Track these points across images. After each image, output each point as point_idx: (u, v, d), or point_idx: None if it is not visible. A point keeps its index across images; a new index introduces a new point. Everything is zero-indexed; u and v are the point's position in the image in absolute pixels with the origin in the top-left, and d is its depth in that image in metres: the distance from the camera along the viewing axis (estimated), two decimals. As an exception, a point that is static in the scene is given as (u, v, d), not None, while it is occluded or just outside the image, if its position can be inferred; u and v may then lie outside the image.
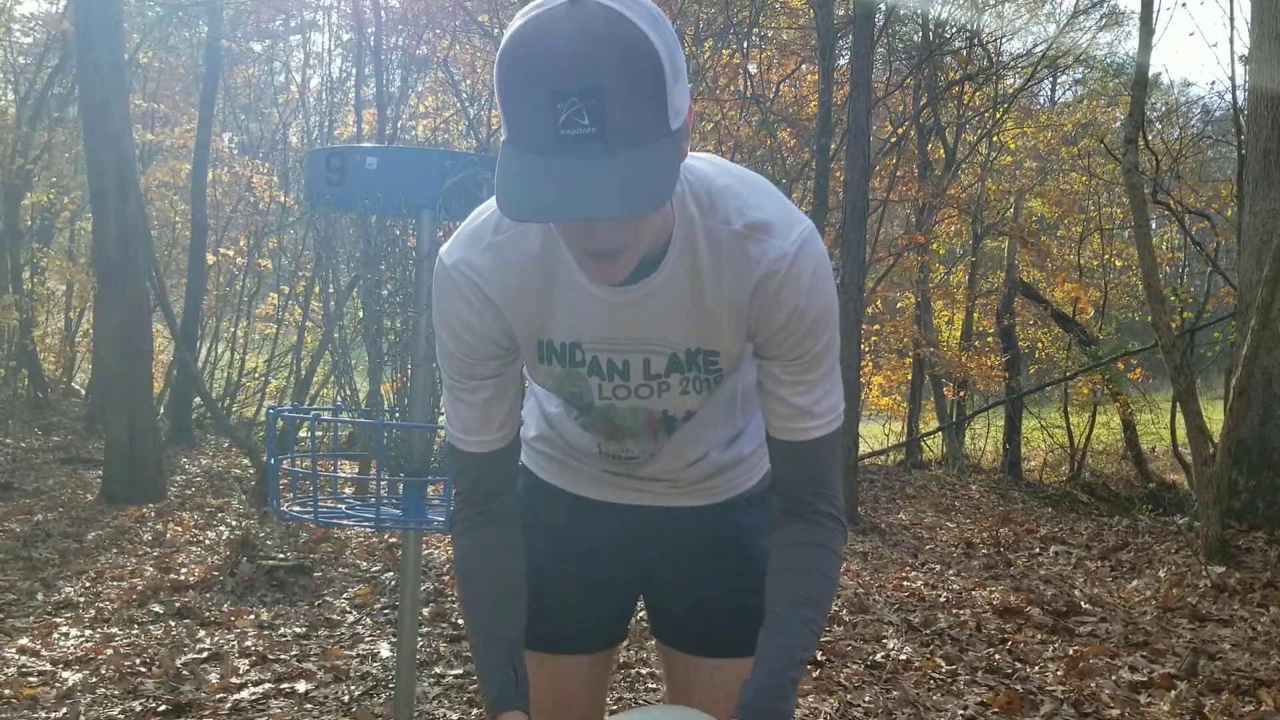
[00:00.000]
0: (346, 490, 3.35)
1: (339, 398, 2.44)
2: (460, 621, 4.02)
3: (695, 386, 1.30)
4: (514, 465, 1.41)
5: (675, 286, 1.21)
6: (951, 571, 5.47)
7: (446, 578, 4.88)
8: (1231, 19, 12.46)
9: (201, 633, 3.97)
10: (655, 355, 1.27)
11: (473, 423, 1.33)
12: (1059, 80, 14.89)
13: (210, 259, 11.75)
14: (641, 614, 1.62)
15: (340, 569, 5.14)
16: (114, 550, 5.48)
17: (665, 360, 1.27)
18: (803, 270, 1.19)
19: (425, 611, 4.21)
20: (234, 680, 3.41)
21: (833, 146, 8.66)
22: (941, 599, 4.76)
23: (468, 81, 11.14)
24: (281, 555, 5.27)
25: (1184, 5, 23.29)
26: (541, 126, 0.98)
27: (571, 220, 1.03)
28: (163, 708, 3.12)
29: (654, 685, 3.43)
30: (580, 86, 0.96)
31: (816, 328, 1.23)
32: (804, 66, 11.16)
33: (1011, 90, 12.14)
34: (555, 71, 0.96)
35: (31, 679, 3.36)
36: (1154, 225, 12.52)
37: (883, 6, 9.09)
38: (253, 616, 4.22)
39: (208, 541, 5.81)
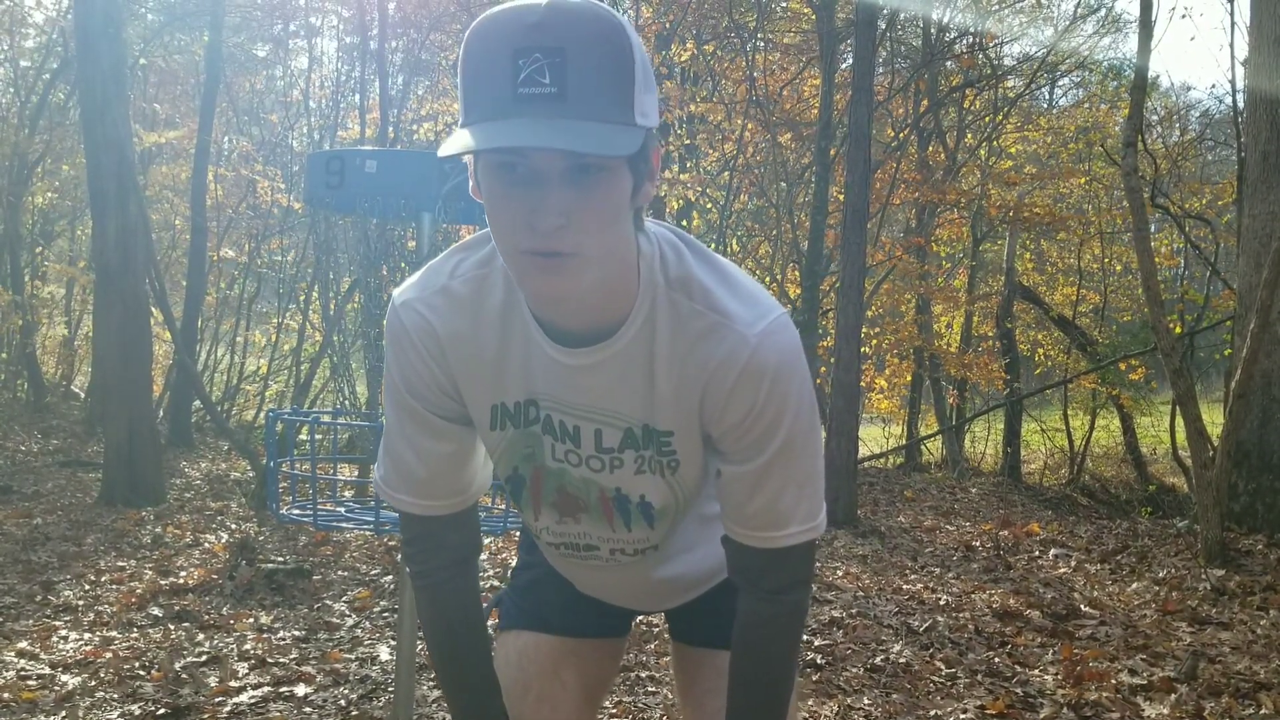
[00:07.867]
0: (346, 493, 3.35)
1: (339, 401, 2.44)
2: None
3: (651, 467, 1.20)
4: (475, 519, 1.33)
5: (631, 359, 1.12)
6: (951, 574, 5.47)
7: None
8: (1232, 23, 12.49)
9: (200, 636, 3.97)
10: (608, 427, 1.18)
11: (438, 480, 1.24)
12: (1059, 84, 14.91)
13: (214, 256, 11.76)
14: (641, 617, 1.62)
15: (339, 572, 5.14)
16: (113, 553, 5.48)
17: (619, 435, 1.18)
18: (764, 364, 1.10)
19: (425, 615, 4.20)
20: (233, 683, 3.40)
21: (834, 151, 8.67)
22: (941, 602, 4.76)
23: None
24: (281, 558, 5.27)
25: (1185, 17, 23.32)
26: (500, 87, 0.93)
27: (516, 146, 0.92)
28: (162, 711, 3.12)
29: (654, 689, 3.42)
30: (545, 44, 0.91)
31: (776, 427, 1.13)
32: (806, 71, 11.17)
33: (1012, 94, 12.14)
34: (522, 30, 0.92)
35: (30, 682, 3.36)
36: (1153, 228, 12.52)
37: (885, 11, 9.09)
38: (252, 620, 4.22)
39: (207, 545, 5.81)
